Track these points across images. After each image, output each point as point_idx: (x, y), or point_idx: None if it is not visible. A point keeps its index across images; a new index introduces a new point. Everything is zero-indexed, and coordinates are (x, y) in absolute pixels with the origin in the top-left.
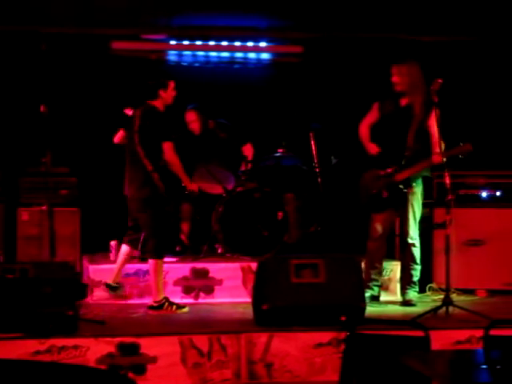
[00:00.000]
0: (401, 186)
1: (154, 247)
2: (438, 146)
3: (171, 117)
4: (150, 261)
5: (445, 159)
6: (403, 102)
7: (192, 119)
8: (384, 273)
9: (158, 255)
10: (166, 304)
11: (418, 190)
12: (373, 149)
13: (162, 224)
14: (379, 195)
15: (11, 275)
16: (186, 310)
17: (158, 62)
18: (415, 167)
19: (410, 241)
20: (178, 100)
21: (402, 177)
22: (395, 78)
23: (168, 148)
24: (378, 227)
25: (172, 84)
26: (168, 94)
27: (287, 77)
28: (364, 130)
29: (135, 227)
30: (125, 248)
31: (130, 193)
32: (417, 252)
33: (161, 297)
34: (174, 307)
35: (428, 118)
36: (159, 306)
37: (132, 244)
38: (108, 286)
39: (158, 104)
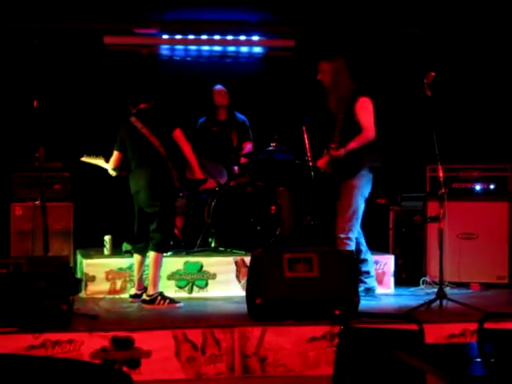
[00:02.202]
0: (331, 179)
1: (160, 241)
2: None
3: (171, 108)
4: (153, 254)
5: (342, 151)
6: (331, 98)
7: (220, 92)
8: (377, 266)
9: (163, 249)
10: (159, 298)
11: (356, 182)
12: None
13: (171, 218)
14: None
15: (5, 270)
16: (179, 305)
17: (150, 56)
18: (330, 160)
19: (340, 235)
20: (170, 93)
21: (328, 170)
22: (319, 76)
23: (179, 134)
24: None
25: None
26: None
27: (279, 70)
28: None
29: (141, 235)
30: (137, 257)
31: (140, 185)
32: (353, 246)
33: (154, 291)
34: (167, 302)
35: (354, 110)
36: (151, 300)
37: (141, 252)
38: (143, 301)
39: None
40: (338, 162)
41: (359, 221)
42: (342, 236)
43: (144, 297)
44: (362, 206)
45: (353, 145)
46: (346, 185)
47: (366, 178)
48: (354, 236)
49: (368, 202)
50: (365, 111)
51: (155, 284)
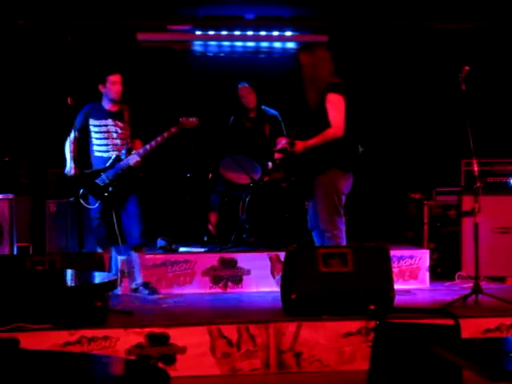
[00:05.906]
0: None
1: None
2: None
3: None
4: None
5: (301, 146)
6: (309, 91)
7: (245, 93)
8: (412, 261)
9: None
10: (141, 288)
11: (325, 179)
12: None
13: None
14: None
15: (40, 267)
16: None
17: (183, 52)
18: (287, 154)
19: (326, 233)
20: (204, 90)
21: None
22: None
23: None
24: None
25: (111, 78)
26: (108, 89)
27: None
28: None
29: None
30: None
31: None
32: (343, 240)
33: (139, 280)
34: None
35: (324, 106)
36: (136, 289)
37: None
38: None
39: (103, 99)
40: (301, 157)
41: (342, 215)
42: (328, 234)
43: (133, 286)
44: (338, 202)
45: (314, 141)
46: (316, 182)
47: (338, 176)
48: (342, 230)
49: (402, 196)
50: (333, 108)
51: (139, 275)
